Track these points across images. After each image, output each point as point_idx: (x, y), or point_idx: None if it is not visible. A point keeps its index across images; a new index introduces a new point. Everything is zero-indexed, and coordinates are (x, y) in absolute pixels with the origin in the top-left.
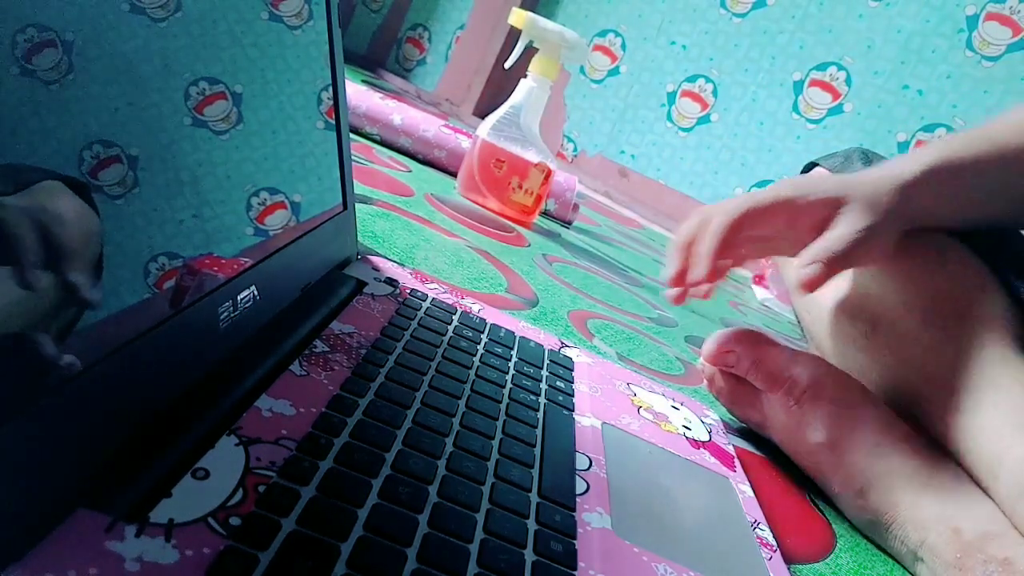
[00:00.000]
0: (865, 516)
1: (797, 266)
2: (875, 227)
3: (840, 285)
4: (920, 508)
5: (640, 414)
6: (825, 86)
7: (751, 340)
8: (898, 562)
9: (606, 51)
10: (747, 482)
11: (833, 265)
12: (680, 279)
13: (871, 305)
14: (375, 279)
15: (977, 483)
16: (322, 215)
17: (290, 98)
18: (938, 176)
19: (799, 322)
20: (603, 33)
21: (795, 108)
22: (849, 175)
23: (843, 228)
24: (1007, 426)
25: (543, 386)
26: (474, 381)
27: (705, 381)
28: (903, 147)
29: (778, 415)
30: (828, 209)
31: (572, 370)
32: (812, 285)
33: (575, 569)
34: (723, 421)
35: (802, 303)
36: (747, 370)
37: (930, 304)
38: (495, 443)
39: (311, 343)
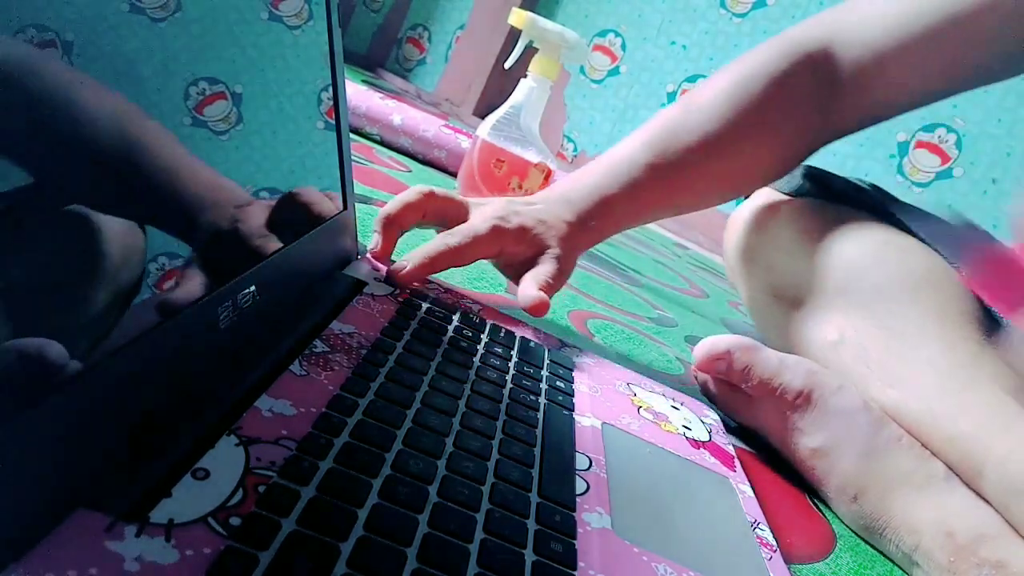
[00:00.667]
0: (861, 521)
1: (524, 293)
2: (570, 266)
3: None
4: (914, 512)
5: (640, 414)
6: None
7: (741, 347)
8: (896, 564)
9: (606, 51)
10: (747, 482)
11: (550, 292)
12: (384, 256)
13: (841, 310)
14: (375, 279)
15: (965, 482)
16: (322, 215)
17: (290, 98)
18: (610, 214)
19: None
20: (603, 33)
21: None
22: (550, 210)
23: (552, 266)
24: (989, 423)
25: (543, 386)
26: (474, 381)
27: (699, 387)
28: (903, 147)
29: (771, 421)
30: (534, 250)
31: (572, 370)
32: (541, 310)
33: (575, 569)
34: (723, 421)
35: (761, 325)
36: (739, 377)
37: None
38: (495, 443)
39: (311, 343)
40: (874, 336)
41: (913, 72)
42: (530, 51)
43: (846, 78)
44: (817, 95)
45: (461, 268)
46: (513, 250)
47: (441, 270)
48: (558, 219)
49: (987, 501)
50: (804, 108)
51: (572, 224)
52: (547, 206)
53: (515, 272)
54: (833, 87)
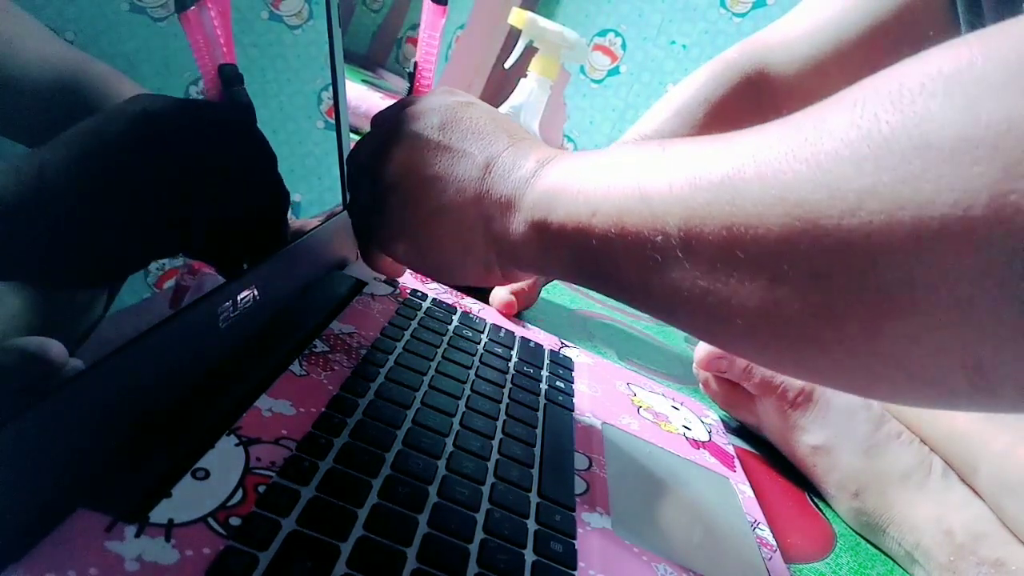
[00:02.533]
0: (863, 518)
1: (499, 295)
2: (538, 283)
3: None
4: (914, 510)
5: (640, 414)
6: None
7: None
8: (896, 563)
9: (606, 51)
10: (747, 482)
11: (521, 298)
12: None
13: None
14: (375, 279)
15: (962, 478)
16: (322, 215)
17: (290, 98)
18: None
19: None
20: (603, 33)
21: None
22: None
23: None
24: (985, 420)
25: (543, 386)
26: (474, 381)
27: (701, 385)
28: None
29: (772, 419)
30: None
31: (572, 370)
32: (511, 309)
33: (575, 569)
34: (723, 421)
35: None
36: (740, 375)
37: None
38: (495, 443)
39: (311, 343)
40: None
41: (851, 78)
42: (530, 51)
43: (787, 92)
44: (756, 112)
45: None
46: None
47: None
48: None
49: (981, 497)
50: (744, 126)
51: None
52: None
53: None
54: (774, 102)
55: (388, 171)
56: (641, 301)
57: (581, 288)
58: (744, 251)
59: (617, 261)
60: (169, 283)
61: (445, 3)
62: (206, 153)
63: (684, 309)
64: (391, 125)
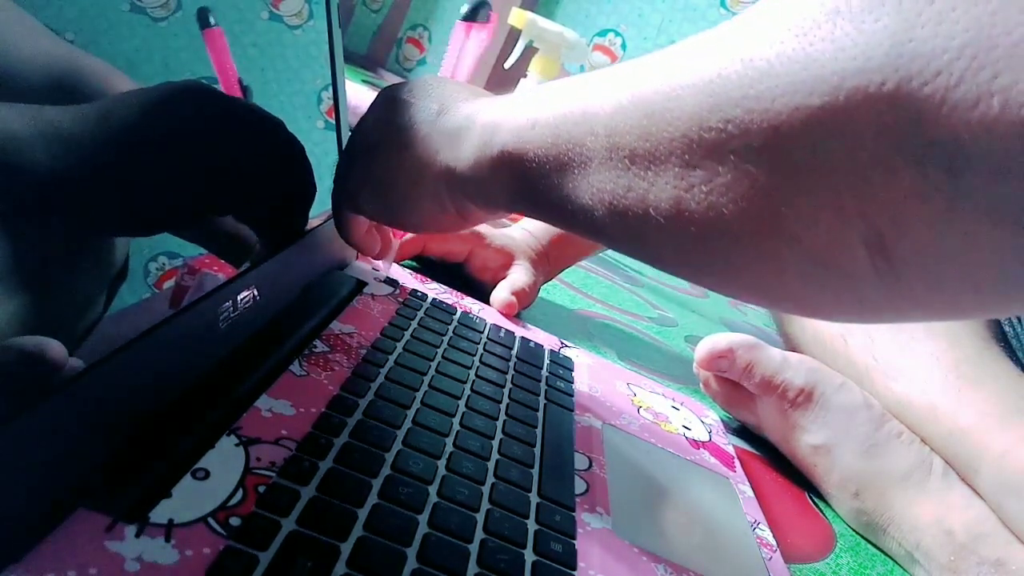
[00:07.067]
0: (863, 518)
1: (500, 296)
2: (538, 281)
3: None
4: (914, 509)
5: (640, 414)
6: None
7: (743, 345)
8: (897, 562)
9: (606, 51)
10: (747, 482)
11: (522, 297)
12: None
13: None
14: (375, 279)
15: (962, 478)
16: (322, 215)
17: (290, 97)
18: (564, 249)
19: (778, 328)
20: (603, 33)
21: None
22: (514, 234)
23: (524, 276)
24: (986, 419)
25: (543, 386)
26: (474, 381)
27: (701, 385)
28: None
29: (773, 418)
30: (503, 258)
31: (572, 370)
32: (512, 310)
33: (575, 569)
34: (723, 421)
35: (776, 315)
36: (740, 375)
37: None
38: (495, 443)
39: (311, 343)
40: (881, 328)
41: None
42: (530, 51)
43: None
44: None
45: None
46: (483, 253)
47: (412, 255)
48: (524, 242)
49: (982, 497)
50: None
51: (536, 249)
52: (512, 232)
53: (490, 277)
54: None
55: (359, 133)
56: (571, 216)
57: (581, 288)
58: (659, 136)
59: (551, 174)
60: (169, 283)
61: (471, 20)
62: (254, 136)
63: (609, 213)
64: (372, 104)
